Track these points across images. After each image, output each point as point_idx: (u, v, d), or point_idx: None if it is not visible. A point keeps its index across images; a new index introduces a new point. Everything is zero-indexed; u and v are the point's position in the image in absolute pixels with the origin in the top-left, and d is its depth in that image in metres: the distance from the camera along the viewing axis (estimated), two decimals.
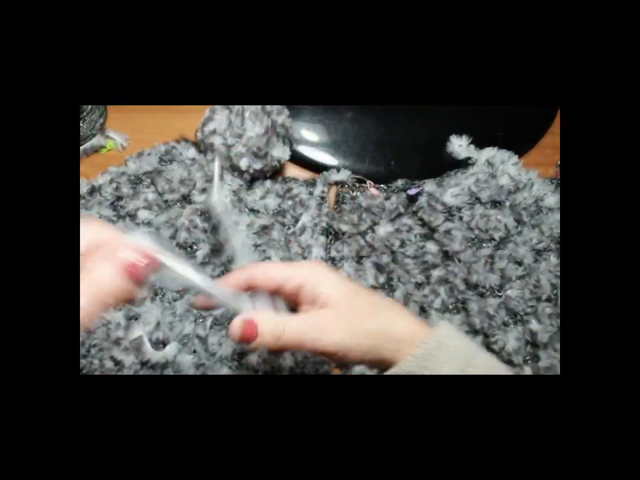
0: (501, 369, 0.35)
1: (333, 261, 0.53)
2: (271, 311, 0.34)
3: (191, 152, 0.54)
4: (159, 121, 0.58)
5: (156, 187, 0.52)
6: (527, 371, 0.48)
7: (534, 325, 0.49)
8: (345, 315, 0.33)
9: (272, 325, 0.32)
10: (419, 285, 0.53)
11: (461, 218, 0.52)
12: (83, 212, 0.52)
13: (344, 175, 0.56)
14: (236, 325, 0.32)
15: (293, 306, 0.35)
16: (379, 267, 0.52)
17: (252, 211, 0.54)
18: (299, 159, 0.58)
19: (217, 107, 0.53)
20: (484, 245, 0.52)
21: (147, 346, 0.47)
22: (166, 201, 0.52)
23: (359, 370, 0.50)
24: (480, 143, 0.58)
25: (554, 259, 0.52)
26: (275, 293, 0.35)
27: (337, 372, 0.52)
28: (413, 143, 0.59)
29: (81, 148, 0.56)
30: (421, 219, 0.54)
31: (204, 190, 0.52)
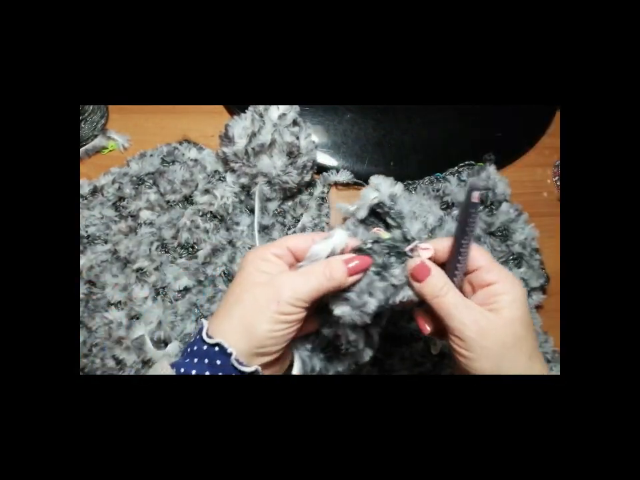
0: None
1: None
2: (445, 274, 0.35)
3: (193, 153, 0.54)
4: (160, 122, 0.59)
5: (158, 187, 0.52)
6: None
7: None
8: (503, 346, 0.32)
9: (440, 281, 0.34)
10: None
11: None
12: (85, 212, 0.52)
13: (343, 176, 0.56)
14: (413, 262, 0.35)
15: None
16: None
17: (252, 211, 0.54)
18: None
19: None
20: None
21: (149, 345, 0.48)
22: (168, 202, 0.53)
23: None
24: (479, 144, 0.58)
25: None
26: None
27: None
28: (412, 143, 0.59)
29: (83, 149, 0.56)
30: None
31: (206, 191, 0.53)
